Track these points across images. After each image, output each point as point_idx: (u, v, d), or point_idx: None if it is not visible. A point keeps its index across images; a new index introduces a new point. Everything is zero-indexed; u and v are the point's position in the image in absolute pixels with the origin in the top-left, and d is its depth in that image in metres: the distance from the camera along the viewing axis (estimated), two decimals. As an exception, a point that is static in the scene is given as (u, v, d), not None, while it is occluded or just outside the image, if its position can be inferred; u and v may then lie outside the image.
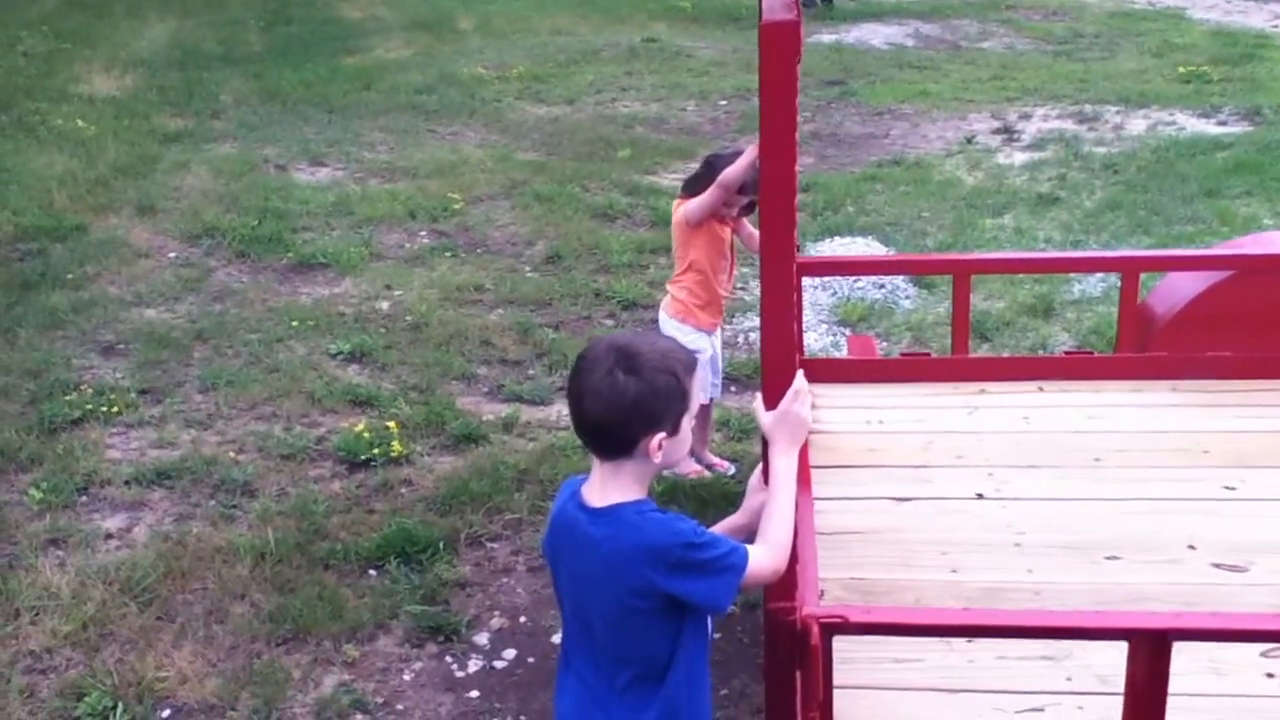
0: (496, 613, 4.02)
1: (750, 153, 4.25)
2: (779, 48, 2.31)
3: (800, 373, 2.39)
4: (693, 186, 4.55)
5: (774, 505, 2.35)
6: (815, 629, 2.28)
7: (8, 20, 14.12)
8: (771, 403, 2.39)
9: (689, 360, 2.25)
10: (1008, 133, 9.95)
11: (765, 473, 2.43)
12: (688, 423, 2.24)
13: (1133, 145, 9.36)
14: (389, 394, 5.42)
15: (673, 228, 4.65)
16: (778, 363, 2.35)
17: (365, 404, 5.34)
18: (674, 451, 2.23)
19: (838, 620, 2.30)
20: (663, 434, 2.19)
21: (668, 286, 4.77)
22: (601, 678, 2.29)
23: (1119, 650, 2.59)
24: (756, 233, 4.57)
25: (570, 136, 10.02)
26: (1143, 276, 4.57)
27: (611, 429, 2.18)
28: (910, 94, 11.40)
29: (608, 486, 2.22)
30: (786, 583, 2.43)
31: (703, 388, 4.04)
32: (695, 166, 4.85)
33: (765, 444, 2.42)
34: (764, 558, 2.28)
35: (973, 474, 3.85)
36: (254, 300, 6.47)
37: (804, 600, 2.41)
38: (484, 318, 6.30)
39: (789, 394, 2.38)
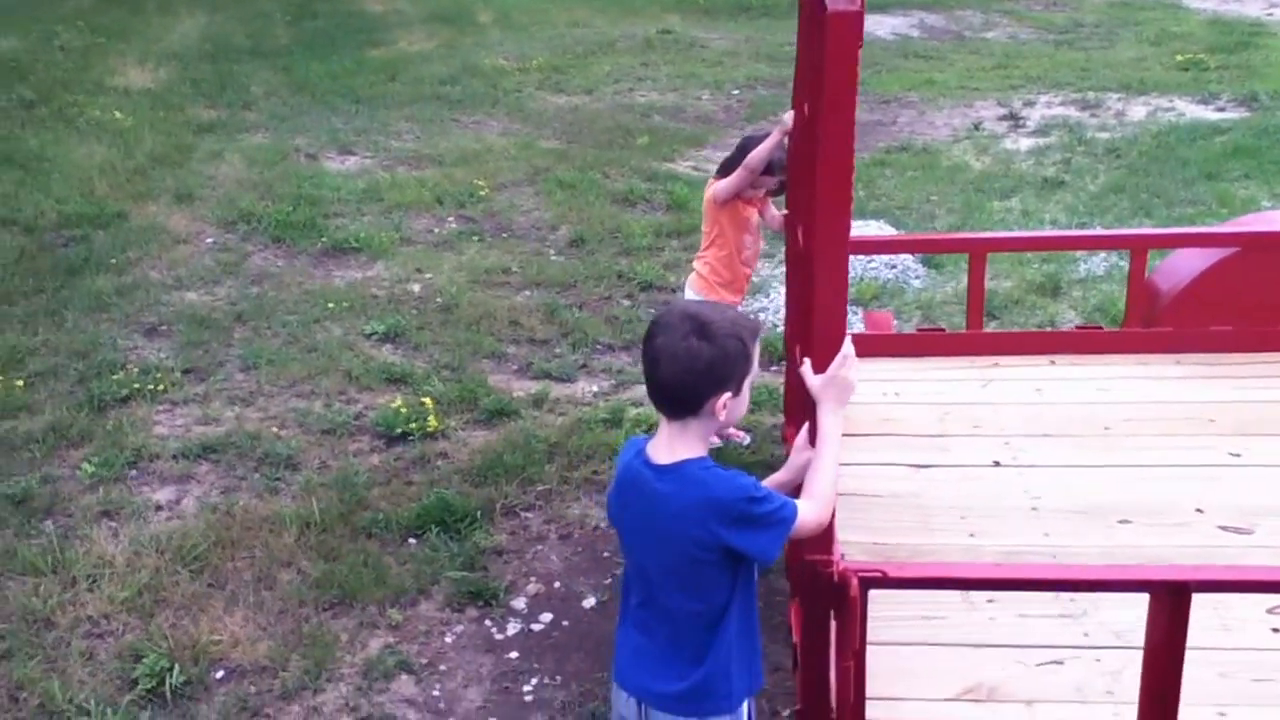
0: (532, 579, 4.20)
1: (775, 135, 4.39)
2: (844, 38, 2.42)
3: (849, 339, 2.55)
4: (727, 168, 4.71)
5: (820, 462, 2.49)
6: (854, 582, 2.45)
7: (44, 16, 14.34)
8: (821, 367, 2.54)
9: (755, 327, 2.42)
10: (1013, 119, 10.11)
11: (811, 433, 2.57)
12: (749, 385, 2.40)
13: (1134, 131, 9.54)
14: (423, 372, 5.62)
15: (704, 206, 4.81)
16: (828, 330, 2.51)
17: (400, 381, 5.54)
18: (736, 410, 2.39)
19: (876, 574, 2.46)
20: (729, 394, 2.34)
21: (694, 263, 4.91)
22: (661, 629, 2.43)
23: (1133, 608, 2.75)
24: (779, 213, 4.74)
25: (590, 125, 10.19)
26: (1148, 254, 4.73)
27: (685, 390, 2.33)
28: (916, 82, 11.56)
29: (674, 444, 2.37)
30: (826, 537, 2.59)
31: None
32: (711, 153, 5.01)
33: (813, 405, 2.57)
34: (810, 512, 2.41)
35: (989, 443, 4.02)
36: (290, 283, 6.66)
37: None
38: (511, 299, 6.49)
39: (838, 358, 2.52)
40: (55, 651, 3.82)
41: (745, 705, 2.49)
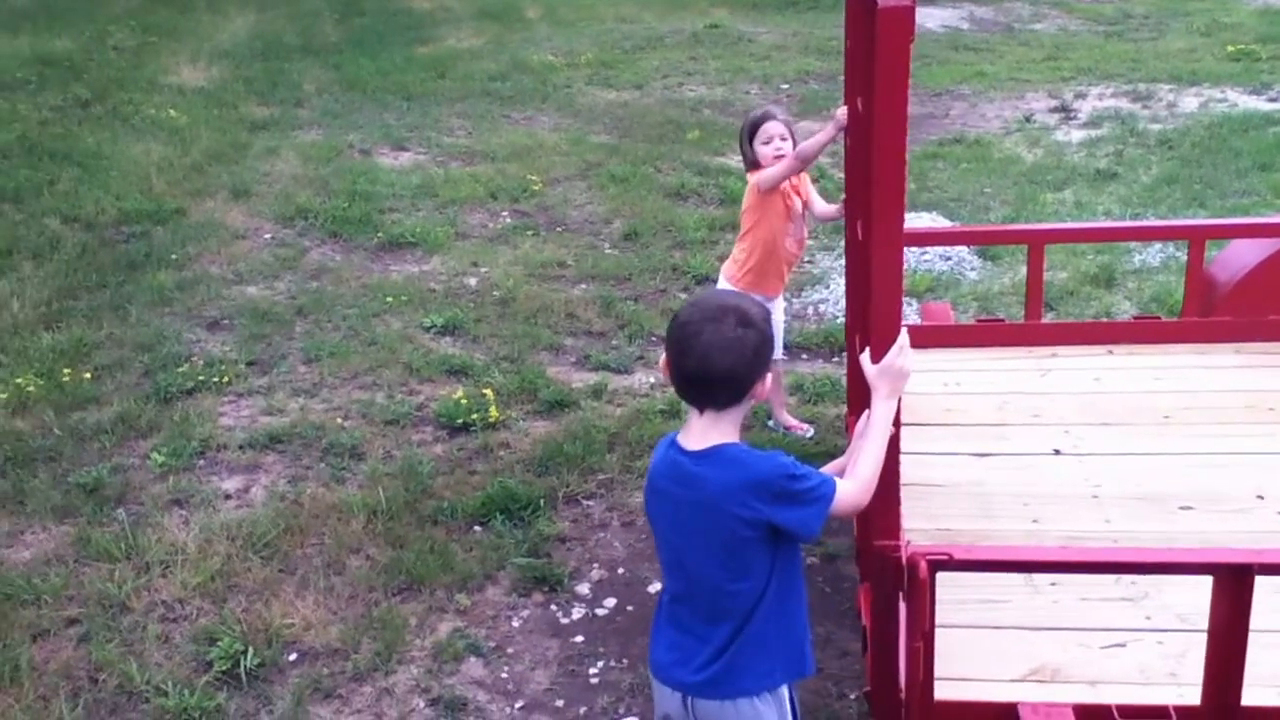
0: (595, 565, 4.27)
1: (830, 130, 4.42)
2: (895, 32, 2.46)
3: (905, 329, 2.60)
4: (743, 155, 4.76)
5: (867, 445, 2.54)
6: (923, 565, 2.50)
7: (96, 15, 14.56)
8: (878, 357, 2.59)
9: (764, 308, 2.53)
10: (1064, 111, 10.08)
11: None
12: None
13: (1186, 122, 9.50)
14: (482, 364, 5.70)
15: (745, 195, 4.81)
16: (885, 320, 2.56)
17: (460, 373, 5.62)
18: (765, 390, 2.48)
19: (944, 557, 2.51)
20: (765, 376, 2.45)
21: (733, 251, 4.89)
22: (697, 618, 2.48)
23: (1195, 591, 2.78)
24: (829, 206, 4.76)
25: (640, 120, 10.25)
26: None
27: (736, 379, 2.40)
28: (967, 75, 11.53)
29: (709, 433, 2.43)
30: (893, 524, 2.64)
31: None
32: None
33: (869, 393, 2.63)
34: (850, 491, 2.46)
35: (1049, 431, 4.05)
36: (348, 278, 6.77)
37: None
38: (567, 292, 6.57)
39: (894, 348, 2.58)
40: (132, 635, 3.92)
41: (785, 689, 2.53)
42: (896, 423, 2.60)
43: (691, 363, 2.39)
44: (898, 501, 2.70)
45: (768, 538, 2.40)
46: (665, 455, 2.50)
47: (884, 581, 2.72)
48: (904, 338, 2.58)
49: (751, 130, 4.69)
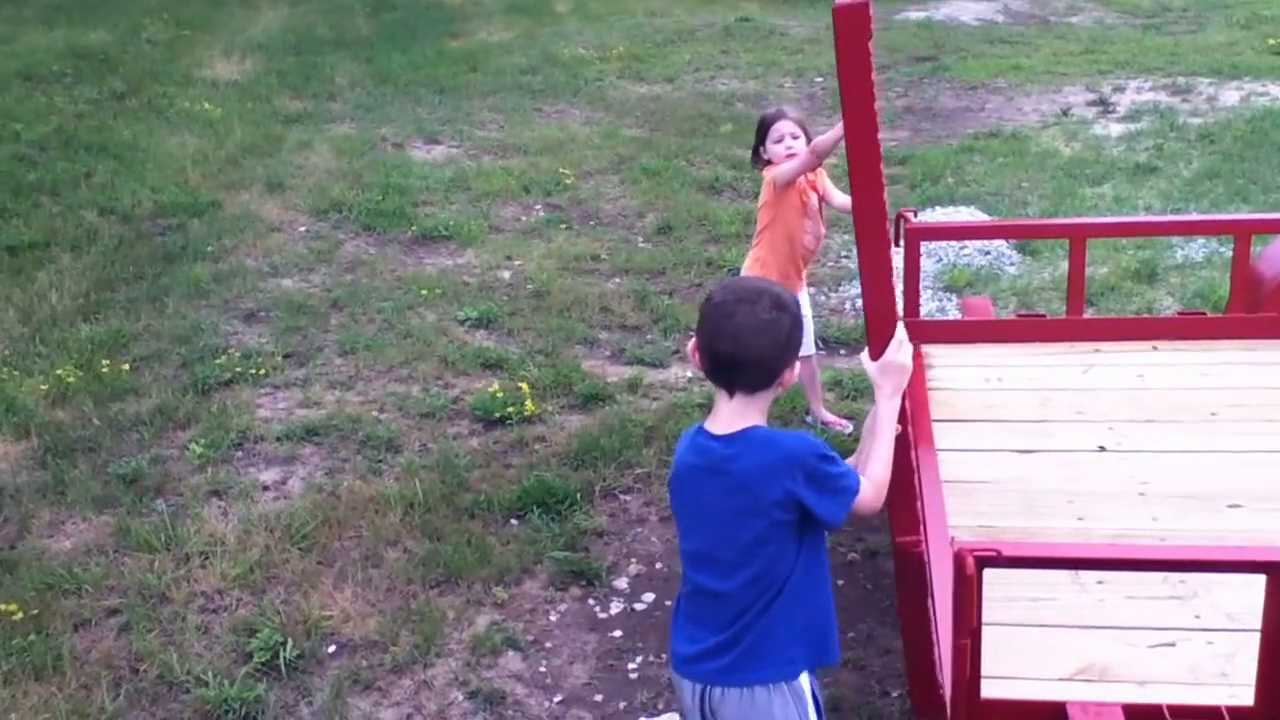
0: (633, 560, 4.26)
1: (843, 125, 4.39)
2: (851, 29, 2.43)
3: (901, 324, 2.58)
4: (754, 151, 4.75)
5: (877, 446, 2.54)
6: (970, 561, 2.47)
7: (130, 9, 14.64)
8: (876, 354, 2.57)
9: (794, 295, 2.54)
10: (1102, 105, 9.98)
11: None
12: None
13: (1227, 116, 9.38)
14: (517, 357, 5.69)
15: (762, 191, 4.81)
16: (879, 318, 2.54)
17: (495, 366, 5.62)
18: (792, 375, 2.48)
19: (992, 554, 2.48)
20: (795, 362, 2.45)
21: (751, 250, 4.88)
22: (717, 608, 2.45)
23: (1245, 591, 2.73)
24: (837, 193, 4.72)
25: (672, 113, 10.22)
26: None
27: (770, 361, 2.39)
28: (1003, 68, 11.44)
29: (737, 418, 2.42)
30: (913, 519, 2.61)
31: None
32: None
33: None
34: (868, 491, 2.47)
35: (1093, 428, 3.99)
36: (383, 270, 6.78)
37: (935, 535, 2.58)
38: (601, 286, 6.55)
39: (892, 344, 2.56)
40: (172, 625, 3.94)
41: (807, 680, 2.51)
42: (903, 419, 2.59)
43: (724, 344, 2.38)
44: (915, 497, 2.68)
45: (797, 520, 2.39)
46: (693, 443, 2.49)
47: (908, 579, 2.70)
48: (901, 332, 2.56)
49: (763, 129, 4.69)
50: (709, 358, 2.42)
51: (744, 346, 2.37)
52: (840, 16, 2.45)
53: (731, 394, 2.42)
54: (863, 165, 2.51)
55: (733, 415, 2.43)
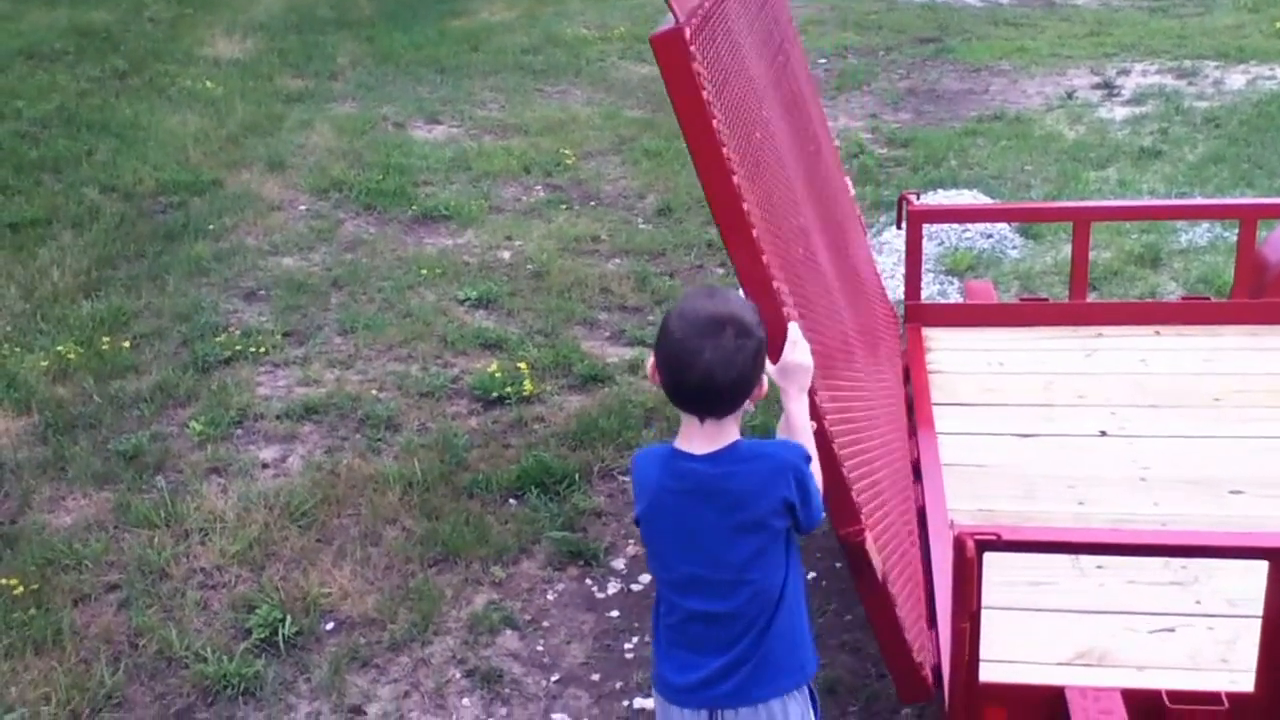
0: (631, 540, 4.25)
1: None
2: (671, 58, 2.32)
3: (793, 324, 2.53)
4: None
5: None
6: (970, 544, 2.46)
7: (132, -15, 14.57)
8: (774, 357, 2.48)
9: (753, 306, 2.39)
10: (1107, 88, 9.94)
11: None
12: None
13: (1233, 100, 9.34)
14: (516, 337, 5.68)
15: None
16: (769, 321, 2.47)
17: (494, 346, 5.61)
18: (763, 389, 2.37)
19: (992, 537, 2.47)
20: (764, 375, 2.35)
21: None
22: (716, 629, 2.37)
23: (1247, 577, 2.72)
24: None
25: (674, 94, 10.16)
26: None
27: (741, 387, 2.29)
28: (1007, 50, 11.39)
29: (715, 437, 2.32)
30: (849, 512, 2.64)
31: None
32: None
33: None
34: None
35: (1095, 412, 3.99)
36: (383, 250, 6.76)
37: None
38: (601, 266, 6.53)
39: (787, 345, 2.48)
40: (171, 601, 3.94)
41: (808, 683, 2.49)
42: (815, 416, 2.55)
43: (695, 379, 2.26)
44: (849, 489, 2.67)
45: (789, 528, 2.35)
46: (671, 467, 2.35)
47: (859, 570, 2.72)
48: (794, 332, 2.50)
49: None
50: (675, 391, 2.31)
51: (714, 381, 2.26)
52: (658, 47, 2.34)
53: (703, 420, 2.32)
54: (716, 192, 2.40)
55: (710, 436, 2.32)
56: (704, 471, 2.32)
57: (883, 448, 3.36)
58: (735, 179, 2.41)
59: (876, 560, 2.79)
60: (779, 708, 2.41)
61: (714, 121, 2.37)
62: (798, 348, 2.50)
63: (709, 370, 2.24)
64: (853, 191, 4.68)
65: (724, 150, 2.39)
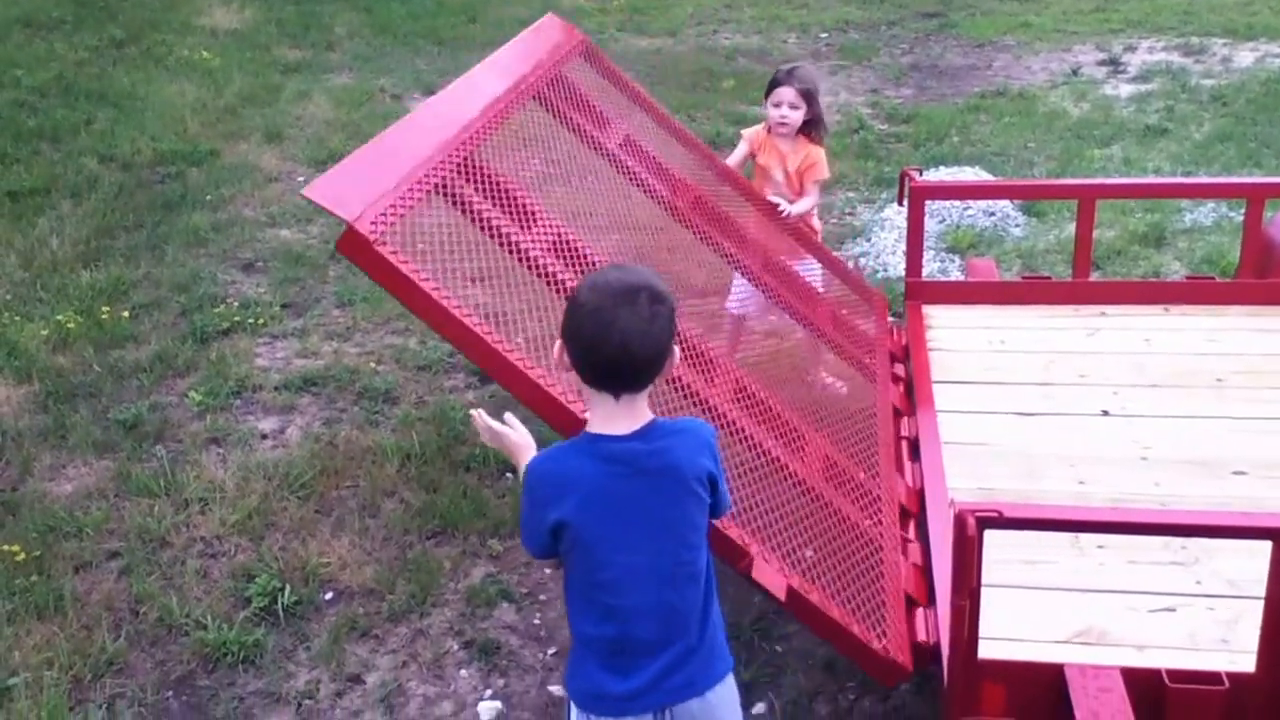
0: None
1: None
2: (364, 257, 2.53)
3: (475, 412, 2.71)
4: None
5: None
6: (971, 522, 2.46)
7: (129, -46, 14.45)
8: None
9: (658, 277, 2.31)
10: (1113, 65, 9.89)
11: None
12: None
13: (1241, 77, 9.30)
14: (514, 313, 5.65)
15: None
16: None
17: (491, 321, 5.57)
18: (675, 361, 2.31)
19: (993, 514, 2.47)
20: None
21: None
22: (662, 625, 2.28)
23: (1246, 557, 2.72)
24: (805, 198, 4.61)
25: (674, 68, 10.13)
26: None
27: (660, 358, 2.22)
28: (1011, 26, 11.35)
29: (636, 416, 2.25)
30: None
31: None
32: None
33: None
34: None
35: (1097, 392, 3.98)
36: (382, 222, 6.72)
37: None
38: (602, 241, 6.49)
39: (482, 431, 2.67)
40: (171, 569, 3.94)
41: None
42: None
43: (609, 351, 2.16)
44: (722, 532, 2.75)
45: (710, 503, 2.31)
46: (604, 452, 2.24)
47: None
48: (478, 421, 2.66)
49: (769, 87, 4.60)
50: (590, 366, 2.21)
51: (632, 352, 2.16)
52: (345, 251, 2.50)
53: (618, 397, 2.23)
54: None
55: (630, 414, 2.24)
56: (640, 449, 2.23)
57: (788, 451, 3.36)
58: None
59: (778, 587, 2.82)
60: (725, 693, 2.35)
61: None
62: (488, 432, 2.64)
63: (625, 338, 2.15)
64: (786, 208, 4.63)
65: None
